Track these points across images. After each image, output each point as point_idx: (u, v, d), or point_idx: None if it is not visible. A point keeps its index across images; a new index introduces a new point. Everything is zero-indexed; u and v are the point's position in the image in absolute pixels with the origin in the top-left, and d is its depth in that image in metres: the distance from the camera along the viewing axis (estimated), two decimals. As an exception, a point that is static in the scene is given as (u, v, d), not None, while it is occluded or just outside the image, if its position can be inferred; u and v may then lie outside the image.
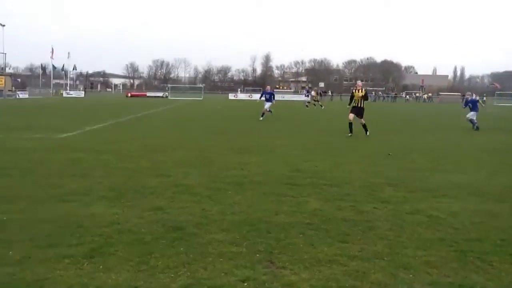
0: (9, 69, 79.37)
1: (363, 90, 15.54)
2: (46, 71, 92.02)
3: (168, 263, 3.97)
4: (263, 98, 23.50)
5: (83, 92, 78.87)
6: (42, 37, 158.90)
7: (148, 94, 78.05)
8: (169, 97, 71.61)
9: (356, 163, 9.64)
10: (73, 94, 73.97)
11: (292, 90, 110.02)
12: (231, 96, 75.50)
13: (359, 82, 16.66)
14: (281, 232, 4.86)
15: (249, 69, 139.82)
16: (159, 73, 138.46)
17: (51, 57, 74.07)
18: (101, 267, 3.85)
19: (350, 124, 15.28)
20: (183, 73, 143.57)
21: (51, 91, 77.29)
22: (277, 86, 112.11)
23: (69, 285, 3.50)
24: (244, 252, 4.27)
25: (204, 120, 22.76)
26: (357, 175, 8.23)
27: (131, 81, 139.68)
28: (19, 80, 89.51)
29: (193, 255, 4.17)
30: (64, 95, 72.58)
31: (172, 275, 3.72)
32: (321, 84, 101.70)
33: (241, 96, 77.23)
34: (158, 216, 5.34)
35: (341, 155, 10.87)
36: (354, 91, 15.54)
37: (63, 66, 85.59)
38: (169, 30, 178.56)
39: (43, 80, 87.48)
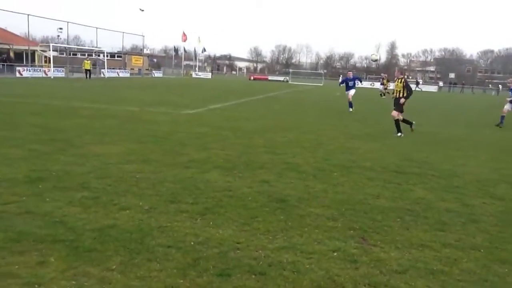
0: (147, 50, 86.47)
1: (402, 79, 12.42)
2: (179, 53, 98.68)
3: (268, 227, 4.42)
4: (343, 85, 19.83)
5: (210, 73, 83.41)
6: (176, 21, 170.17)
7: (270, 78, 79.95)
8: (290, 82, 72.67)
9: (472, 157, 9.23)
10: (201, 75, 78.66)
11: (414, 80, 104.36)
12: (352, 83, 74.10)
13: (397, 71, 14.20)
14: (379, 215, 5.04)
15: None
16: (281, 58, 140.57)
17: (183, 40, 79.31)
18: (211, 223, 4.44)
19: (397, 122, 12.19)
20: (304, 59, 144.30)
21: (182, 72, 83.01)
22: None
23: (184, 233, 4.13)
24: (339, 227, 4.56)
25: (322, 105, 22.96)
26: (471, 169, 7.94)
27: (255, 64, 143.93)
28: (155, 60, 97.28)
29: (292, 223, 4.58)
30: (193, 75, 77.51)
31: (270, 237, 4.17)
32: (452, 75, 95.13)
33: (363, 83, 75.41)
34: (264, 188, 5.84)
35: (456, 148, 10.43)
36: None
37: (194, 49, 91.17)
38: (293, 15, 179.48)
39: (175, 61, 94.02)
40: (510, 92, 16.93)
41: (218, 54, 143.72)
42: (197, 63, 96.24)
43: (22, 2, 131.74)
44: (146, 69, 67.63)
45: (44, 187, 5.31)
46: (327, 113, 17.95)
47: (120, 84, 31.95)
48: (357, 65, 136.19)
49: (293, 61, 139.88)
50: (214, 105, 18.17)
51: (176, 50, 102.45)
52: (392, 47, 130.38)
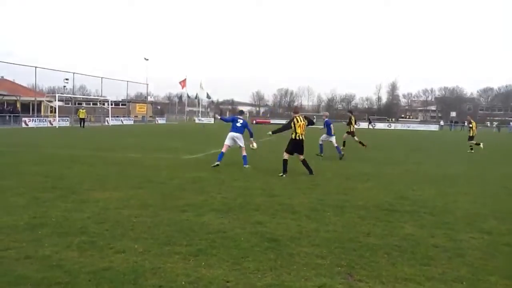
0: (151, 97, 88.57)
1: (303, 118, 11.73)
2: (182, 99, 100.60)
3: (258, 266, 4.58)
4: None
5: (213, 118, 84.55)
6: (179, 68, 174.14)
7: (272, 121, 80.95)
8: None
9: (465, 194, 9.38)
10: (204, 120, 79.72)
11: (419, 120, 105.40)
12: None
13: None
14: (367, 251, 5.19)
15: (374, 97, 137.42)
16: (283, 101, 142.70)
17: (182, 87, 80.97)
18: (203, 263, 4.61)
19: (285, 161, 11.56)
20: (306, 101, 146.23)
21: (185, 118, 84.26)
22: (403, 115, 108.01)
23: (176, 274, 4.30)
24: (327, 264, 4.72)
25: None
26: (462, 205, 8.10)
27: (257, 108, 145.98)
28: (158, 107, 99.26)
29: (281, 262, 4.74)
30: (196, 121, 78.60)
31: (260, 276, 4.33)
32: (453, 114, 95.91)
33: (363, 124, 76.19)
34: (258, 229, 6.01)
35: (451, 185, 10.59)
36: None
37: (197, 95, 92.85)
38: (294, 58, 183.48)
39: (179, 107, 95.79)
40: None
41: (221, 99, 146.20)
42: (200, 109, 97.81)
43: (30, 55, 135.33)
44: (150, 116, 68.87)
45: (43, 233, 5.52)
46: (327, 154, 18.16)
47: (123, 131, 32.55)
48: (358, 106, 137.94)
49: (295, 104, 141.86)
50: (214, 150, 18.44)
51: (179, 97, 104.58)
52: (393, 87, 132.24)
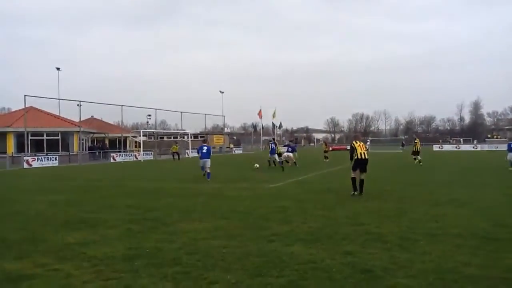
0: (227, 129, 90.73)
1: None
2: (257, 129, 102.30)
3: (354, 298, 4.42)
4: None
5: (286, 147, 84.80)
6: (252, 99, 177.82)
7: (348, 147, 79.63)
8: (370, 150, 71.60)
9: None
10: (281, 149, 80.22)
11: (507, 139, 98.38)
12: (435, 147, 71.62)
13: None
14: (470, 284, 4.83)
15: (456, 117, 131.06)
16: (359, 127, 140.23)
17: (260, 117, 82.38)
18: (296, 295, 4.53)
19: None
20: (383, 125, 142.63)
21: (261, 147, 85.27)
22: (489, 136, 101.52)
23: (271, 306, 4.26)
24: (428, 297, 4.44)
25: (403, 172, 22.37)
26: None
27: (332, 135, 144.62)
28: (234, 137, 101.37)
29: (378, 294, 4.54)
30: (272, 150, 79.18)
31: (357, 309, 4.16)
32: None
33: (447, 147, 72.65)
34: (348, 259, 5.84)
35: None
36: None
37: (273, 123, 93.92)
38: (368, 82, 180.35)
39: (254, 137, 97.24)
40: None
41: (295, 128, 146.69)
42: (276, 138, 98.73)
43: (114, 95, 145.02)
44: (227, 147, 70.40)
45: (139, 264, 5.74)
46: (408, 180, 17.47)
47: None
48: (439, 128, 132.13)
49: (372, 128, 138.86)
50: (294, 178, 18.45)
51: (254, 126, 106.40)
52: (476, 106, 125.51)
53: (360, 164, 12.64)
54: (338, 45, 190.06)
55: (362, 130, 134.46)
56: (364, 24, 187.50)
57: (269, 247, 6.55)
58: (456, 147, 69.55)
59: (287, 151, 27.42)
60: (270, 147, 27.00)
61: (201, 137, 57.89)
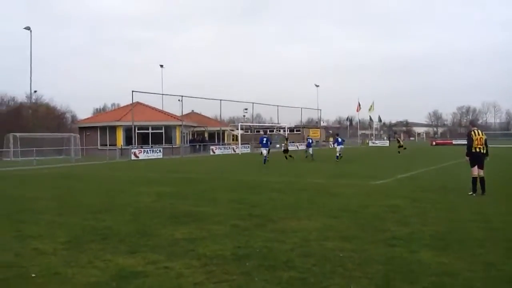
0: (323, 122, 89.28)
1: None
2: (353, 122, 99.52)
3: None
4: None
5: (388, 141, 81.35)
6: (349, 91, 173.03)
7: (454, 142, 74.37)
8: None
9: None
10: (378, 143, 77.23)
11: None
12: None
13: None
14: None
15: None
16: (464, 120, 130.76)
17: (357, 111, 79.81)
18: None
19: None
20: (492, 119, 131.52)
21: (358, 141, 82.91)
22: None
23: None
24: None
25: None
26: None
27: (435, 129, 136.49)
28: (330, 131, 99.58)
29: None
30: (370, 144, 76.57)
31: None
32: None
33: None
34: (492, 272, 4.92)
35: None
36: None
37: (370, 117, 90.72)
38: (477, 73, 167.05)
39: (350, 131, 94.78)
40: None
41: (393, 121, 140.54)
42: (373, 132, 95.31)
43: (214, 88, 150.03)
44: (323, 141, 69.29)
45: (251, 265, 5.32)
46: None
47: (302, 156, 32.93)
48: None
49: (479, 122, 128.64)
50: (401, 175, 17.21)
51: (350, 120, 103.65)
52: None
53: (476, 159, 11.19)
54: (439, 34, 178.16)
55: (468, 123, 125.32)
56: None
57: (391, 252, 5.80)
58: None
59: (338, 144, 29.90)
60: (262, 140, 27.05)
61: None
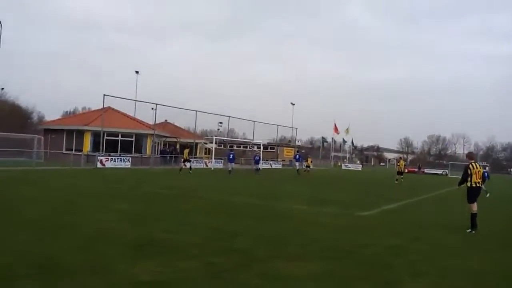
0: (298, 142, 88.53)
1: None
2: (325, 144, 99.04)
3: None
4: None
5: (360, 165, 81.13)
6: (322, 113, 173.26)
7: (426, 170, 74.70)
8: (449, 175, 66.61)
9: None
10: (351, 167, 76.82)
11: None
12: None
13: None
14: None
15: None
16: (434, 149, 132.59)
17: (335, 133, 79.47)
18: None
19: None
20: (461, 150, 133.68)
21: (331, 163, 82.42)
22: None
23: None
24: None
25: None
26: None
27: (405, 156, 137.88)
28: (303, 151, 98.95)
29: None
30: (343, 167, 76.09)
31: None
32: None
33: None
34: None
35: None
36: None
37: (343, 139, 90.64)
38: (449, 104, 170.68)
39: (322, 152, 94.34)
40: None
41: (365, 145, 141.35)
42: (347, 155, 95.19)
43: (187, 102, 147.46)
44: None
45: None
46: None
47: (276, 175, 31.67)
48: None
49: (448, 152, 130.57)
50: (387, 206, 16.03)
51: (323, 141, 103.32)
52: None
53: (476, 194, 10.70)
54: (416, 64, 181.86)
55: (437, 153, 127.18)
56: (445, 44, 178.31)
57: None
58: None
59: (296, 160, 39.01)
60: (229, 155, 34.50)
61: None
